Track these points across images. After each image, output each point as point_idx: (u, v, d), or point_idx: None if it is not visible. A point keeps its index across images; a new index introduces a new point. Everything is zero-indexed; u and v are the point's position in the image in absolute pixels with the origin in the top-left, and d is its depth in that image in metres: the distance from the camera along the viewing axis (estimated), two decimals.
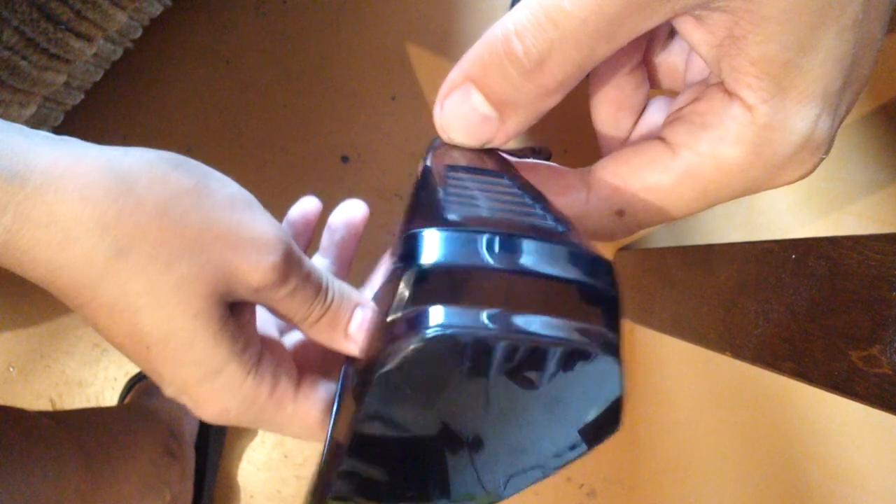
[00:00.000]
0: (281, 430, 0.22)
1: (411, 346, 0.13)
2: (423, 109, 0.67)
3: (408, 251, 0.14)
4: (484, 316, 0.14)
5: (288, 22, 0.67)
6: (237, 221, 0.20)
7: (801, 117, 0.14)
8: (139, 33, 0.53)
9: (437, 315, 0.13)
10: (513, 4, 0.67)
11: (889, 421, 0.63)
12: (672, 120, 0.17)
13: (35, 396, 0.62)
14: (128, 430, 0.48)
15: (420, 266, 0.14)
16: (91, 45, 0.43)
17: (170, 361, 0.19)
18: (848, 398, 0.27)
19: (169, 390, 0.20)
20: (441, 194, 0.16)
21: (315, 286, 0.22)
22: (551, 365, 0.14)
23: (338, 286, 0.24)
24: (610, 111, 0.21)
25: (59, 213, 0.17)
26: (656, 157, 0.17)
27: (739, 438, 0.64)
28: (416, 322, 0.14)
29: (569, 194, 0.19)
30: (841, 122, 0.15)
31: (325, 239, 0.33)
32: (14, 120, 0.42)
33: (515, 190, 0.17)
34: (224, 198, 0.20)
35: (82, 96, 0.51)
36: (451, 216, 0.15)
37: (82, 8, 0.40)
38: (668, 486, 0.63)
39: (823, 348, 0.30)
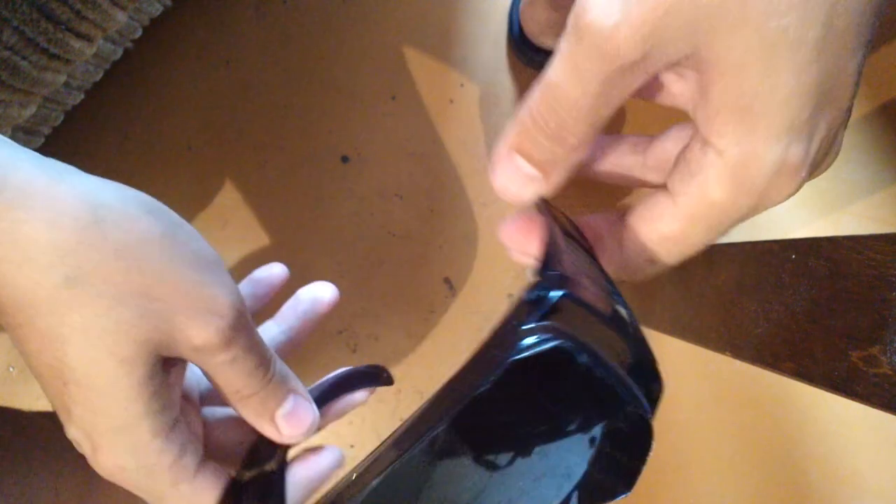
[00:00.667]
0: None
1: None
2: (423, 109, 0.67)
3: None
4: None
5: (288, 22, 0.67)
6: (194, 279, 0.20)
7: (770, 151, 0.16)
8: (139, 33, 0.53)
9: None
10: (513, 6, 0.67)
11: (889, 421, 0.63)
12: (675, 164, 0.19)
13: (35, 396, 0.62)
14: None
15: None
16: (91, 45, 0.43)
17: (82, 403, 0.19)
18: (848, 398, 0.27)
19: (71, 431, 0.20)
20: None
21: (257, 360, 0.22)
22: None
23: (279, 367, 0.24)
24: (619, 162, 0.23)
25: (21, 233, 0.17)
26: (664, 210, 0.18)
27: (739, 438, 0.64)
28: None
29: (606, 254, 0.21)
30: (825, 140, 0.17)
31: (288, 307, 0.32)
32: (14, 120, 0.42)
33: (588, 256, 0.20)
34: (189, 252, 0.20)
35: (82, 96, 0.51)
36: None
37: (82, 8, 0.40)
38: (667, 485, 0.63)
39: (823, 348, 0.30)
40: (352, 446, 0.62)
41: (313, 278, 0.68)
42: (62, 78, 0.43)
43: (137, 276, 0.19)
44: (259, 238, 0.63)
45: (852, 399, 0.27)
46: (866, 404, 0.26)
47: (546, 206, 0.21)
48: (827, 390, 0.29)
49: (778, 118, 0.15)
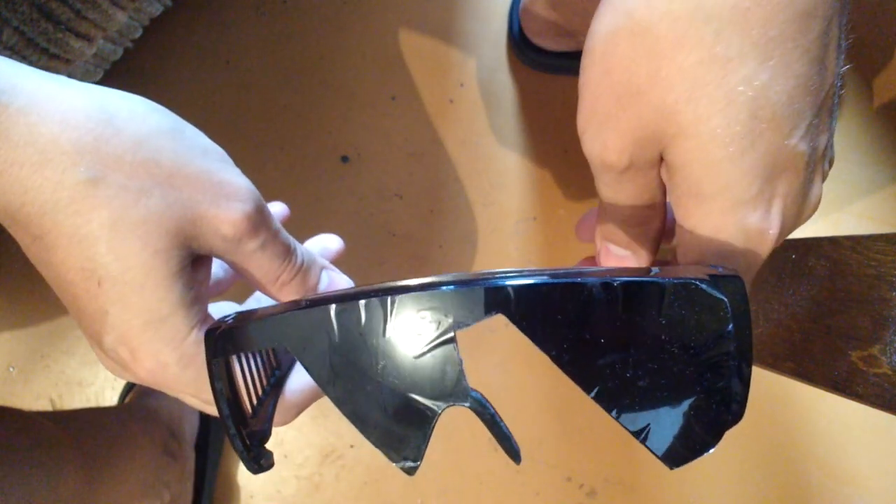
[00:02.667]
0: (186, 398, 0.22)
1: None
2: (423, 109, 0.67)
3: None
4: None
5: (288, 22, 0.67)
6: (211, 168, 0.20)
7: (728, 224, 0.19)
8: (139, 33, 0.53)
9: None
10: (513, 6, 0.67)
11: (889, 421, 0.63)
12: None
13: (35, 396, 0.62)
14: (127, 430, 0.48)
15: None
16: (91, 45, 0.43)
17: (118, 301, 0.19)
18: (848, 398, 0.27)
19: (109, 337, 0.19)
20: None
21: (284, 244, 0.22)
22: None
23: (305, 249, 0.24)
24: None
25: (38, 134, 0.17)
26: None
27: (739, 438, 0.64)
28: None
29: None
30: (788, 200, 0.19)
31: None
32: None
33: None
34: (199, 146, 0.20)
35: None
36: None
37: (82, 8, 0.40)
38: (668, 486, 0.63)
39: (823, 348, 0.30)
40: (352, 446, 0.62)
41: None
42: None
43: (156, 167, 0.19)
44: None
45: (852, 399, 0.27)
46: (866, 404, 0.26)
47: None
48: (827, 390, 0.29)
49: (728, 198, 0.18)
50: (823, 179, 0.21)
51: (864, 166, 0.68)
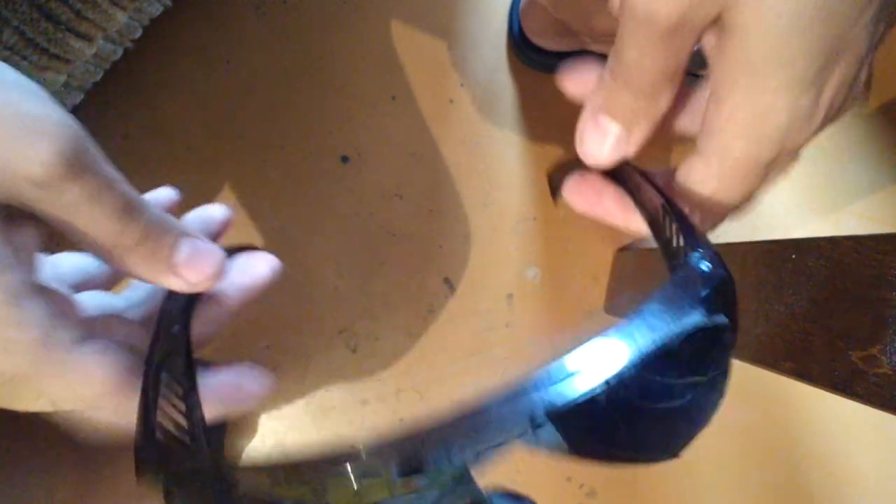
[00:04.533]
0: (51, 391, 0.18)
1: None
2: (423, 109, 0.67)
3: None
4: None
5: (288, 22, 0.67)
6: (11, 100, 0.16)
7: (779, 104, 0.17)
8: (139, 33, 0.53)
9: None
10: (513, 6, 0.67)
11: (889, 421, 0.63)
12: (701, 125, 0.20)
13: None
14: (125, 430, 0.48)
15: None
16: (91, 45, 0.43)
17: None
18: (848, 398, 0.27)
19: None
20: None
21: (123, 199, 0.18)
22: None
23: (158, 213, 0.20)
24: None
25: None
26: (698, 171, 0.20)
27: (739, 438, 0.64)
28: None
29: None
30: (839, 89, 0.18)
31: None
32: None
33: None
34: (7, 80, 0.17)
35: (82, 96, 0.51)
36: None
37: (82, 8, 0.40)
38: (668, 486, 0.63)
39: (823, 348, 0.30)
40: (351, 446, 0.62)
41: (313, 278, 0.68)
42: (62, 78, 0.43)
43: None
44: (259, 238, 0.63)
45: (852, 399, 0.27)
46: (866, 404, 0.26)
47: (631, 167, 0.22)
48: (827, 390, 0.29)
49: (785, 75, 0.17)
50: (867, 79, 0.20)
51: (864, 166, 0.68)
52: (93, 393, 0.18)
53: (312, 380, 0.62)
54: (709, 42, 0.19)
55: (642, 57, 0.19)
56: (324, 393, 0.62)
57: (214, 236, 0.26)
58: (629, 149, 0.21)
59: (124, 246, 0.18)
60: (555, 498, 0.62)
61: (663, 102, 0.20)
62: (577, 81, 0.23)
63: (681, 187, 0.21)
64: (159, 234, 0.19)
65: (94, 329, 0.20)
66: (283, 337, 0.61)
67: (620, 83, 0.20)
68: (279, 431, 0.61)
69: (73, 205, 0.17)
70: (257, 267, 0.24)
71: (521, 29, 0.65)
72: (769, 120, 0.18)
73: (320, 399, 0.62)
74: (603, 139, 0.21)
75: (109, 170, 0.18)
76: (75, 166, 0.17)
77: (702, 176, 0.20)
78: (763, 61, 0.17)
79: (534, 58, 0.66)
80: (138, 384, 0.18)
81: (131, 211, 0.18)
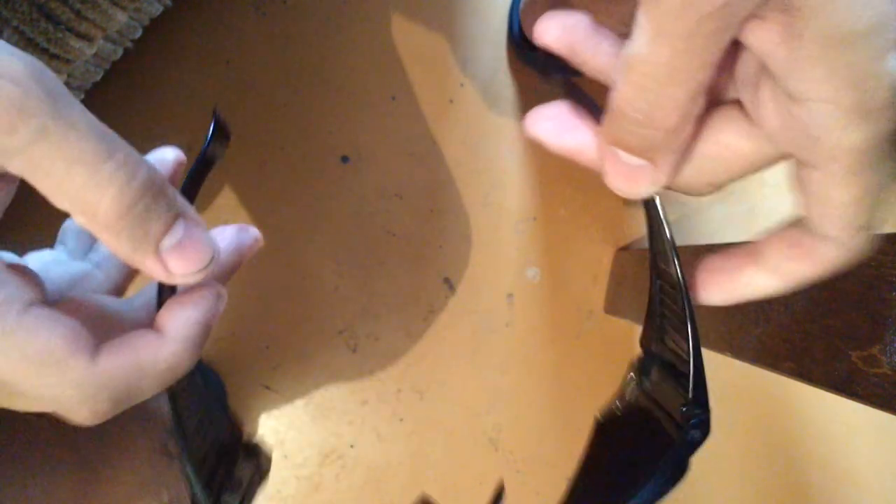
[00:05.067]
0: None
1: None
2: (423, 109, 0.67)
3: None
4: None
5: (288, 22, 0.67)
6: None
7: (881, 68, 0.15)
8: (139, 33, 0.53)
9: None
10: (513, 6, 0.67)
11: (889, 421, 0.63)
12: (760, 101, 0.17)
13: None
14: (124, 430, 0.48)
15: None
16: (91, 45, 0.43)
17: None
18: (848, 398, 0.27)
19: None
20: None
21: (103, 146, 0.15)
22: None
23: (154, 174, 0.17)
24: None
25: None
26: (741, 129, 0.18)
27: (740, 438, 0.64)
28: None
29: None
30: None
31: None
32: None
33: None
34: None
35: (82, 96, 0.51)
36: None
37: (82, 8, 0.40)
38: None
39: (823, 348, 0.30)
40: (351, 446, 0.62)
41: (313, 278, 0.68)
42: (62, 78, 0.43)
43: None
44: None
45: (852, 399, 0.27)
46: (866, 404, 0.26)
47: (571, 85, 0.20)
48: (827, 390, 0.29)
49: (881, 39, 0.14)
50: None
51: None
52: (38, 359, 0.16)
53: (312, 380, 0.62)
54: (772, 17, 0.15)
55: (670, 59, 0.15)
56: (324, 393, 0.62)
57: (172, 176, 0.24)
58: (660, 180, 0.18)
59: (103, 211, 0.15)
60: (555, 498, 0.62)
61: (688, 129, 0.17)
62: (549, 123, 0.20)
63: (705, 135, 0.18)
64: (149, 206, 0.16)
65: (52, 299, 0.19)
66: (283, 337, 0.61)
67: (631, 113, 0.16)
68: (279, 431, 0.61)
69: (37, 156, 0.14)
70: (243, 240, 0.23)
71: (521, 29, 0.65)
72: (874, 89, 0.15)
73: (320, 399, 0.62)
74: (625, 173, 0.18)
75: (83, 112, 0.15)
76: (33, 100, 0.14)
77: (825, 189, 0.16)
78: (852, 27, 0.14)
79: (534, 58, 0.66)
80: (84, 355, 0.17)
81: (109, 167, 0.15)
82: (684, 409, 0.19)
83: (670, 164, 0.18)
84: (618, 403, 0.23)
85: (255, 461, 0.23)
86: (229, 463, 0.22)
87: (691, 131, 0.17)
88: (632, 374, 0.22)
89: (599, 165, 0.19)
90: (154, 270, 0.17)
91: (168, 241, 0.17)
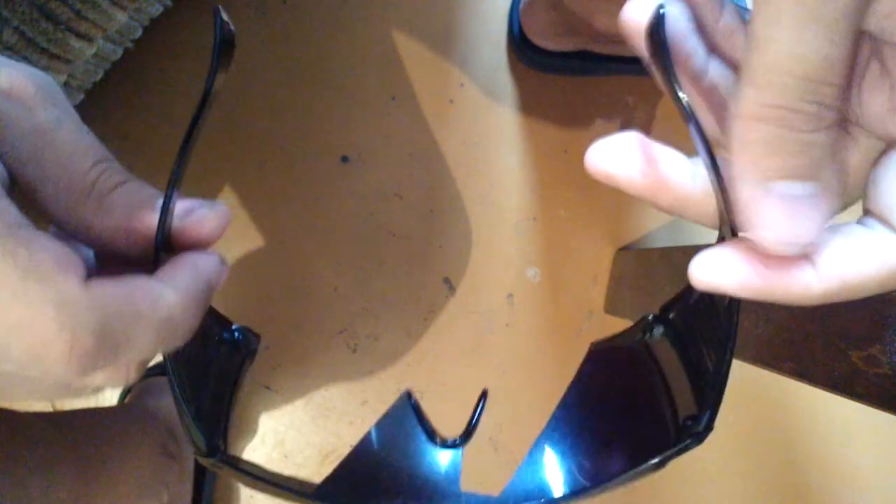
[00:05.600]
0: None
1: None
2: (423, 109, 0.67)
3: None
4: None
5: (288, 22, 0.67)
6: None
7: None
8: (139, 33, 0.53)
9: None
10: (513, 6, 0.67)
11: (889, 421, 0.63)
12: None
13: None
14: (124, 430, 0.48)
15: None
16: (91, 45, 0.43)
17: None
18: (848, 398, 0.27)
19: None
20: None
21: (92, 140, 0.18)
22: None
23: (116, 166, 0.18)
24: None
25: None
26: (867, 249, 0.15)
27: (740, 438, 0.64)
28: None
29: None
30: None
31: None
32: None
33: None
34: None
35: (82, 96, 0.51)
36: None
37: (82, 8, 0.40)
38: (667, 485, 0.63)
39: (823, 348, 0.30)
40: (351, 446, 0.62)
41: (313, 278, 0.68)
42: (62, 78, 0.43)
43: None
44: (259, 238, 0.63)
45: (852, 399, 0.27)
46: (866, 404, 0.26)
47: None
48: (827, 390, 0.29)
49: None
50: None
51: None
52: (18, 267, 0.14)
53: (312, 380, 0.62)
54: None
55: (824, 46, 0.12)
56: (324, 393, 0.62)
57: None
58: (831, 209, 0.14)
59: (99, 188, 0.17)
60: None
61: (832, 129, 0.13)
62: (618, 158, 0.17)
63: (827, 257, 0.15)
64: (138, 184, 0.18)
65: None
66: (283, 337, 0.61)
67: (790, 122, 0.13)
68: (279, 431, 0.61)
69: (44, 125, 0.17)
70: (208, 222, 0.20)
71: (521, 29, 0.65)
72: None
73: (320, 399, 0.62)
74: (790, 206, 0.14)
75: (73, 111, 0.18)
76: (41, 89, 0.16)
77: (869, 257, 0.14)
78: None
79: (534, 58, 0.66)
80: (74, 276, 0.15)
81: (103, 152, 0.18)
82: (690, 422, 0.19)
83: (835, 180, 0.14)
84: (618, 342, 0.23)
85: (243, 350, 0.22)
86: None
87: (831, 138, 0.14)
88: (642, 325, 0.22)
89: (697, 210, 0.16)
90: (148, 221, 0.18)
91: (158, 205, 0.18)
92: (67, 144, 0.17)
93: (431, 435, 0.22)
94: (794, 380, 0.31)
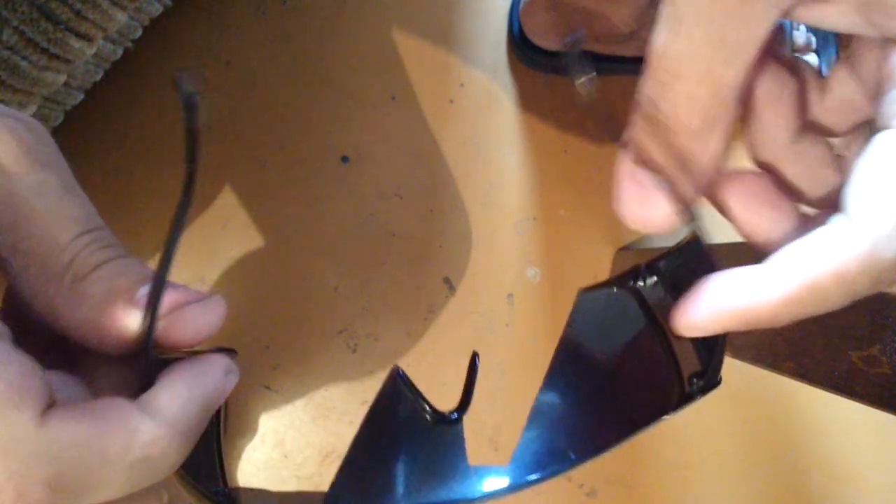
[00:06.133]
0: None
1: None
2: (423, 109, 0.67)
3: None
4: None
5: (288, 22, 0.67)
6: None
7: None
8: (139, 33, 0.53)
9: None
10: (513, 6, 0.67)
11: (889, 421, 0.63)
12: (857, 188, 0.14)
13: None
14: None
15: None
16: (91, 45, 0.43)
17: None
18: (848, 398, 0.27)
19: None
20: None
21: (84, 202, 0.16)
22: None
23: (103, 238, 0.16)
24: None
25: None
26: (846, 243, 0.14)
27: (740, 438, 0.64)
28: None
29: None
30: None
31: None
32: None
33: None
34: None
35: (82, 96, 0.51)
36: None
37: (82, 8, 0.40)
38: (668, 486, 0.63)
39: (823, 348, 0.30)
40: None
41: (313, 278, 0.68)
42: (62, 78, 0.43)
43: None
44: (259, 238, 0.63)
45: (852, 399, 0.27)
46: (866, 404, 0.26)
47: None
48: (827, 390, 0.29)
49: None
50: None
51: None
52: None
53: (312, 380, 0.62)
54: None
55: (691, 47, 0.12)
56: (324, 393, 0.62)
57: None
58: (678, 206, 0.15)
59: (87, 261, 0.15)
60: (555, 498, 0.62)
61: (726, 124, 0.14)
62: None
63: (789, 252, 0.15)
64: (128, 261, 0.16)
65: None
66: (283, 337, 0.61)
67: (653, 101, 0.14)
68: (279, 431, 0.61)
69: (28, 190, 0.15)
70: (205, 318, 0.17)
71: (521, 29, 0.65)
72: None
73: (320, 399, 0.62)
74: (644, 197, 0.15)
75: (70, 175, 0.16)
76: (35, 152, 0.15)
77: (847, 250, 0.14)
78: None
79: (534, 58, 0.66)
80: (30, 410, 0.13)
81: (94, 223, 0.15)
82: (694, 378, 0.20)
83: (691, 185, 0.15)
84: (607, 289, 0.23)
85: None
86: None
87: (718, 147, 0.14)
88: (633, 273, 0.22)
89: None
90: (122, 321, 0.15)
91: (143, 291, 0.15)
92: (48, 214, 0.15)
93: (429, 410, 0.21)
94: (794, 380, 0.31)
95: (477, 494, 0.19)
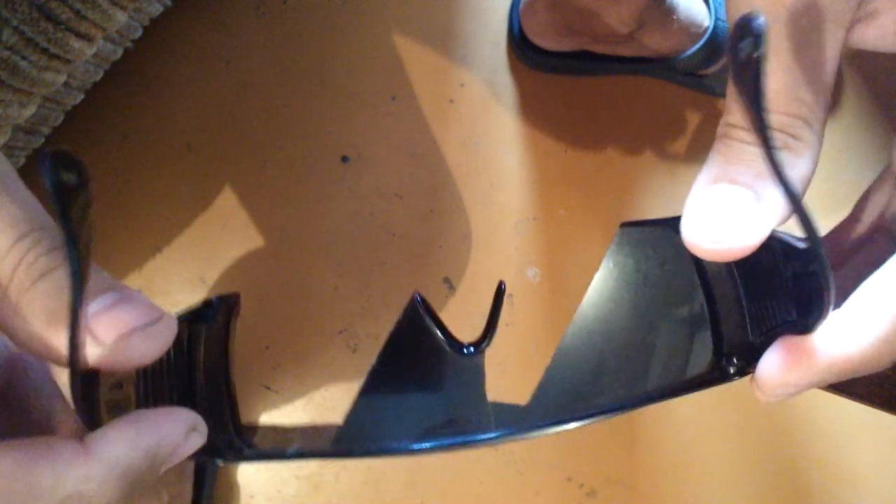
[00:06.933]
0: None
1: None
2: (423, 109, 0.67)
3: None
4: None
5: (288, 22, 0.67)
6: None
7: None
8: (139, 33, 0.53)
9: None
10: (513, 6, 0.67)
11: (889, 421, 0.63)
12: None
13: None
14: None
15: None
16: (91, 45, 0.43)
17: None
18: (848, 398, 0.27)
19: None
20: None
21: (33, 215, 0.14)
22: None
23: (48, 240, 0.14)
24: None
25: None
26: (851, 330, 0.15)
27: (740, 438, 0.64)
28: None
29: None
30: None
31: None
32: (14, 120, 0.42)
33: None
34: None
35: (82, 96, 0.51)
36: None
37: (82, 8, 0.40)
38: (668, 486, 0.63)
39: None
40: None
41: (313, 278, 0.68)
42: (62, 78, 0.43)
43: None
44: (259, 238, 0.63)
45: (852, 399, 0.27)
46: (866, 404, 0.26)
47: None
48: (827, 390, 0.29)
49: None
50: None
51: (864, 166, 0.68)
52: None
53: (312, 380, 0.62)
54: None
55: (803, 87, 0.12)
56: (324, 393, 0.62)
57: None
58: (769, 217, 0.14)
59: (28, 273, 0.13)
60: (555, 498, 0.62)
61: (818, 126, 0.13)
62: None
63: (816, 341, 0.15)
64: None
65: None
66: (283, 337, 0.61)
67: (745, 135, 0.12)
68: None
69: None
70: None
71: (521, 29, 0.65)
72: None
73: (320, 399, 0.62)
74: (726, 208, 0.14)
75: (21, 186, 0.14)
76: None
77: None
78: None
79: (534, 58, 0.66)
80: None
81: (43, 235, 0.14)
82: (734, 358, 0.19)
83: (776, 198, 0.14)
84: (656, 227, 0.21)
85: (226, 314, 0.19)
86: None
87: (819, 138, 0.14)
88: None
89: None
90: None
91: (96, 306, 0.14)
92: None
93: (450, 340, 0.21)
94: None
95: (493, 434, 0.19)
